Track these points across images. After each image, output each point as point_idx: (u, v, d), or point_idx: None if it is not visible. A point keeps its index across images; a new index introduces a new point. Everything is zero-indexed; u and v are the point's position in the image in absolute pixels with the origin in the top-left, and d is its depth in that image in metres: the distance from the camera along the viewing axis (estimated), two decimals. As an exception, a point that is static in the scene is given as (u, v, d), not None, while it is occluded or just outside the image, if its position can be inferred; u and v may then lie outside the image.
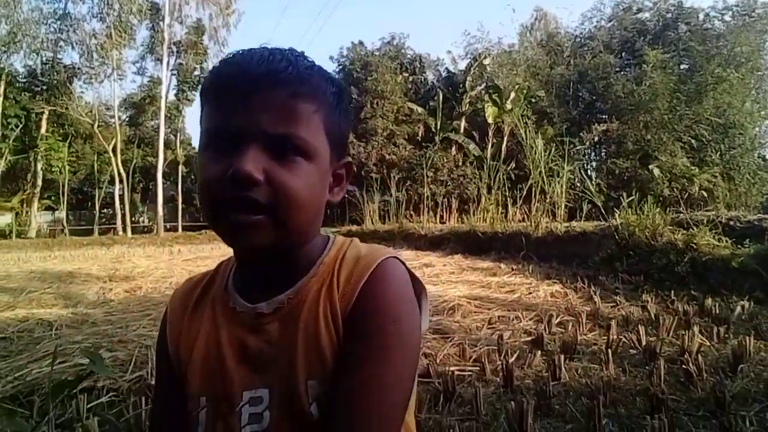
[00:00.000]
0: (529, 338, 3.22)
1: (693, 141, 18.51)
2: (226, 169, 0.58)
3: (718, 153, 18.53)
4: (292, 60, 0.63)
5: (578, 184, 10.15)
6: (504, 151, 21.95)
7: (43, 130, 26.00)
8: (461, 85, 26.27)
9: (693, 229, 5.28)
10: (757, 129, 20.00)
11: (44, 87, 26.17)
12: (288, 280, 0.67)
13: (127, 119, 31.76)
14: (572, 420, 2.01)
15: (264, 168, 0.59)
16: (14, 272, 7.94)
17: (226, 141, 0.60)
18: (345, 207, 19.50)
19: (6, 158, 24.42)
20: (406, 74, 28.90)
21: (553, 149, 9.28)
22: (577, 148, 19.77)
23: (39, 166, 25.73)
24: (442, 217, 18.74)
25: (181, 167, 29.85)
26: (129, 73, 46.32)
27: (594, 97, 22.29)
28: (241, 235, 0.61)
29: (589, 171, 21.34)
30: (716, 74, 18.03)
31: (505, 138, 22.93)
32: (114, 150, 26.28)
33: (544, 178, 8.53)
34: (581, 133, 20.23)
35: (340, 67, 29.52)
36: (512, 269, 6.35)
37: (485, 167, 11.74)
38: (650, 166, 18.22)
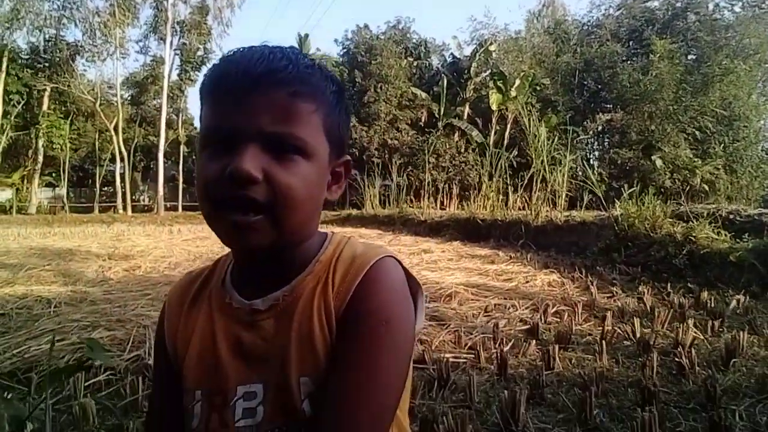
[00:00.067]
0: (525, 327, 3.23)
1: (697, 132, 18.43)
2: (225, 168, 0.58)
3: (722, 145, 18.46)
4: (293, 59, 0.62)
5: (580, 174, 10.11)
6: (507, 138, 21.91)
7: (44, 107, 25.87)
8: (466, 71, 26.04)
9: (693, 221, 5.27)
10: (762, 122, 19.93)
11: (47, 64, 26.00)
12: (284, 278, 0.67)
13: (129, 98, 31.65)
14: (564, 410, 2.03)
15: (263, 167, 0.59)
16: (14, 248, 7.94)
17: (225, 140, 0.60)
18: (346, 191, 19.46)
19: (7, 134, 24.36)
20: (411, 59, 28.61)
21: (557, 138, 9.23)
22: (581, 137, 19.69)
23: (40, 142, 25.65)
24: (442, 203, 18.74)
25: (182, 147, 29.87)
26: (132, 52, 45.95)
27: (599, 86, 22.11)
28: (238, 235, 0.61)
29: (591, 160, 21.24)
30: (723, 65, 17.88)
31: (509, 125, 22.86)
32: (116, 128, 26.33)
33: (546, 166, 8.49)
34: (585, 122, 20.12)
35: (345, 50, 29.28)
36: (510, 257, 6.36)
37: (487, 154, 11.69)
38: (653, 157, 18.15)
